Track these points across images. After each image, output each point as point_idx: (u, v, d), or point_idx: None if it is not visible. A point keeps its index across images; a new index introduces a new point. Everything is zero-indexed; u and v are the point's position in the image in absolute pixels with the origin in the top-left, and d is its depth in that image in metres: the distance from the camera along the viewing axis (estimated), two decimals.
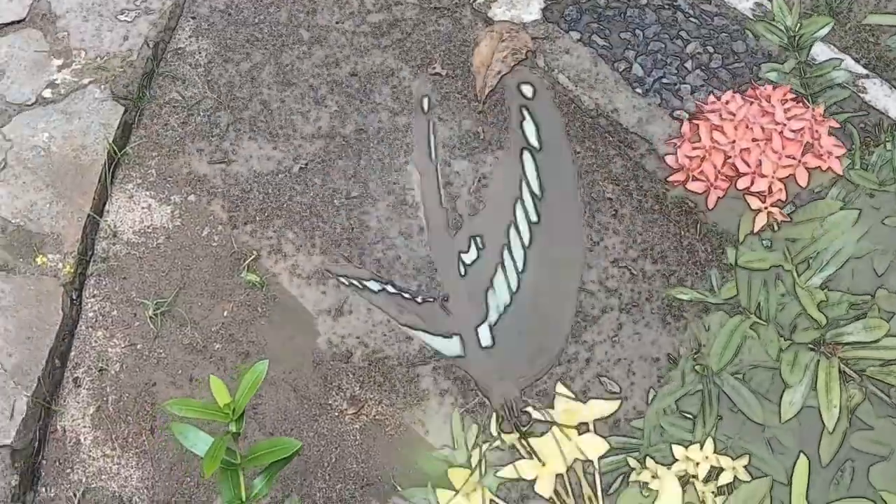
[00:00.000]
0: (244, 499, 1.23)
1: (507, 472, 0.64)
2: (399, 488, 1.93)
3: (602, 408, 0.64)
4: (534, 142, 0.76)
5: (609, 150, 2.39)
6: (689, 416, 1.29)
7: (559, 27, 2.57)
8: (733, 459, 0.85)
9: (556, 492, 0.66)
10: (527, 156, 0.79)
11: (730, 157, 0.98)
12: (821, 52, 2.33)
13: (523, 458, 0.66)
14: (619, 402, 0.65)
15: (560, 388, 0.66)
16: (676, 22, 2.59)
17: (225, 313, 2.18)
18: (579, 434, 0.65)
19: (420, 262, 2.20)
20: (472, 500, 0.65)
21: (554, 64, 2.50)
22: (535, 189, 0.75)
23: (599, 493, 0.65)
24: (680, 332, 2.15)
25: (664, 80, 2.48)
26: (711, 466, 0.80)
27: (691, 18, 2.60)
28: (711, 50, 2.53)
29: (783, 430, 1.22)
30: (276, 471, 1.24)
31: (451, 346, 0.80)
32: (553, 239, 0.74)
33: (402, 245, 2.24)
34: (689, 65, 2.50)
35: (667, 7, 2.62)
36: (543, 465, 0.63)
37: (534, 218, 0.78)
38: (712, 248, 2.24)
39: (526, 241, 0.83)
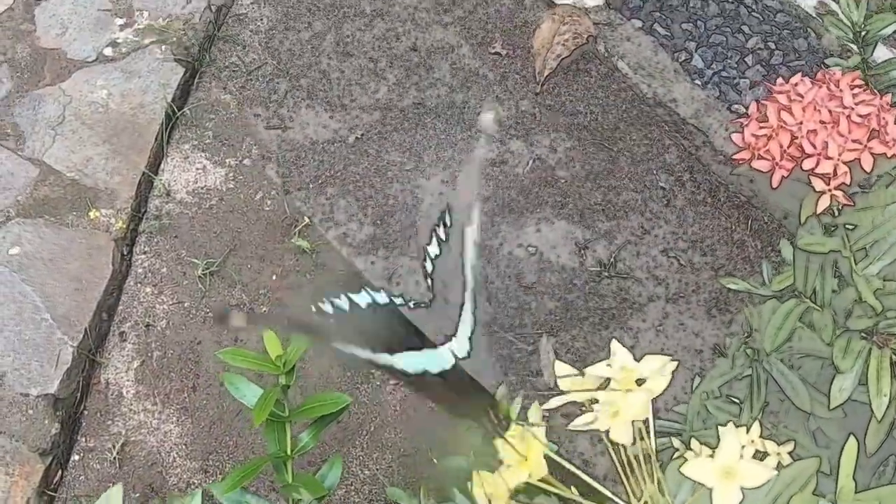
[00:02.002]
0: (289, 452, 1.23)
1: (580, 421, 0.65)
2: (435, 461, 1.94)
3: (659, 362, 0.64)
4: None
5: (665, 140, 2.38)
6: (735, 400, 1.29)
7: (621, 14, 2.57)
8: (778, 445, 0.84)
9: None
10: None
11: (796, 137, 0.98)
12: (882, 55, 2.32)
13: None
14: (675, 362, 0.65)
15: (615, 344, 0.66)
16: (739, 16, 2.58)
17: (273, 277, 2.19)
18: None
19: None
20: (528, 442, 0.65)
21: (614, 51, 2.50)
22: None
23: (653, 441, 0.65)
24: (725, 326, 2.15)
25: (724, 74, 2.47)
26: (756, 451, 0.80)
27: (754, 13, 2.59)
28: (773, 46, 2.52)
29: (828, 421, 1.21)
30: (324, 425, 1.25)
31: (440, 359, 0.75)
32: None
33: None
34: (749, 60, 2.50)
35: (730, 1, 2.61)
36: (616, 414, 0.64)
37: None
38: (762, 246, 2.24)
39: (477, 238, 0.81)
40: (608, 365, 0.69)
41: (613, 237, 2.25)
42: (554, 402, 0.70)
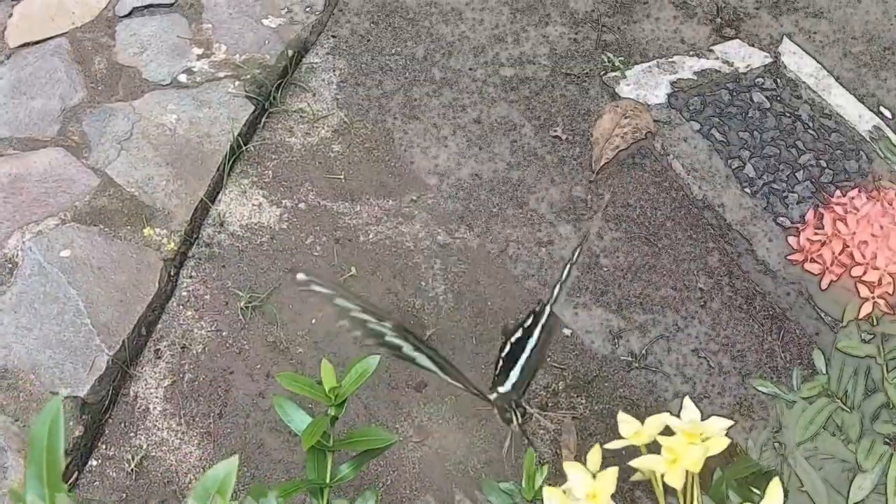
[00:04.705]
0: (328, 480, 1.26)
1: (638, 462, 0.70)
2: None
3: (723, 423, 0.70)
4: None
5: (709, 243, 2.43)
6: (756, 491, 1.33)
7: (681, 115, 2.62)
8: None
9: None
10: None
11: (848, 246, 1.04)
12: None
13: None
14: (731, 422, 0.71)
15: (688, 400, 0.71)
16: (795, 131, 2.63)
17: (313, 321, 2.23)
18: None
19: (513, 313, 2.25)
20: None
21: (671, 149, 2.55)
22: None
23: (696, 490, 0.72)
24: (745, 431, 2.18)
25: (773, 186, 2.52)
26: None
27: (809, 130, 2.64)
28: (824, 164, 2.57)
29: None
30: (366, 460, 1.28)
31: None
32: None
33: (500, 293, 2.30)
34: (800, 175, 2.54)
35: (788, 115, 2.67)
36: (674, 461, 0.69)
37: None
38: (791, 357, 2.27)
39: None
40: (677, 416, 0.75)
41: (647, 330, 2.28)
42: (614, 445, 0.76)
